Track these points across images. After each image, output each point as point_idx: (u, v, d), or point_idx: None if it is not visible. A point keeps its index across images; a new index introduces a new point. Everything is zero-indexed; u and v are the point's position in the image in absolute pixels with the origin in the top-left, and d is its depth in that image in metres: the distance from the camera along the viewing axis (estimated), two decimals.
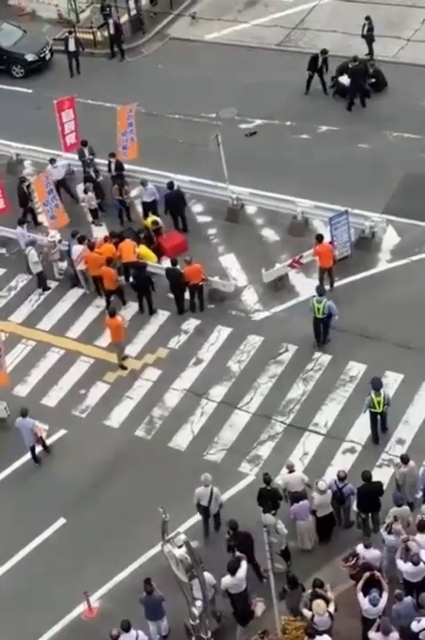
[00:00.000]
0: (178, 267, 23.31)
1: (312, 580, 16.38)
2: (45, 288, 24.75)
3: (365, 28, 30.11)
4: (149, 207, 25.84)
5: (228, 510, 19.00)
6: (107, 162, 26.73)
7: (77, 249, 24.09)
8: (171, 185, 25.45)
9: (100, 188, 26.66)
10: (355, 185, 25.50)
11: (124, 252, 23.91)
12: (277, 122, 28.97)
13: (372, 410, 19.40)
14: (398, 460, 18.15)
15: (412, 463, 17.89)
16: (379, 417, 19.53)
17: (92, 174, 26.82)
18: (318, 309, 21.19)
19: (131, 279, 23.82)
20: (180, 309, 23.50)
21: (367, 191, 25.23)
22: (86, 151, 27.07)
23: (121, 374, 22.42)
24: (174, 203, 25.50)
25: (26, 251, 24.59)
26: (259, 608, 17.07)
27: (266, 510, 17.65)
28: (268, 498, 17.86)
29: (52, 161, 26.73)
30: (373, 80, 29.11)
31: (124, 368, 22.44)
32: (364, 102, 28.96)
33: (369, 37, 30.11)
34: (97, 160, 27.08)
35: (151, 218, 25.37)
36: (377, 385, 19.25)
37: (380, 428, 19.77)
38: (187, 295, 23.49)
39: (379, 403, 19.22)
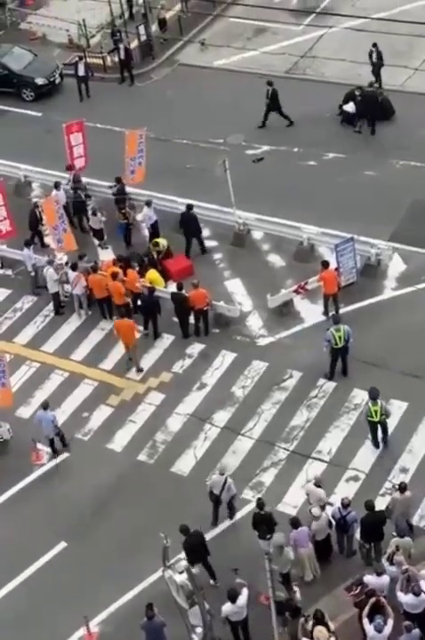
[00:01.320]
0: (183, 291, 23.30)
1: (313, 612, 16.19)
2: (58, 311, 24.73)
3: (374, 56, 30.26)
4: (156, 226, 25.94)
5: (231, 536, 18.96)
6: (109, 185, 26.87)
7: (71, 275, 24.17)
8: (189, 207, 25.41)
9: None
10: (361, 212, 25.52)
11: (131, 282, 23.85)
12: (284, 148, 29.08)
13: (370, 419, 19.64)
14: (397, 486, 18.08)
15: (408, 493, 17.81)
16: (378, 426, 19.73)
17: (82, 198, 26.96)
18: (339, 338, 21.01)
19: (138, 302, 23.78)
20: (185, 333, 23.49)
21: (373, 218, 25.24)
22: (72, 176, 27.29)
23: (124, 398, 22.40)
24: (187, 224, 25.51)
25: (44, 270, 24.64)
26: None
27: (261, 535, 17.70)
28: (263, 523, 17.82)
29: (57, 185, 26.82)
30: (379, 103, 29.23)
31: (140, 370, 22.68)
32: (374, 130, 29.05)
33: (378, 65, 30.25)
34: (100, 183, 27.11)
35: (156, 240, 25.40)
36: (374, 394, 19.51)
37: (382, 440, 19.90)
38: (191, 319, 23.47)
39: (376, 412, 19.43)
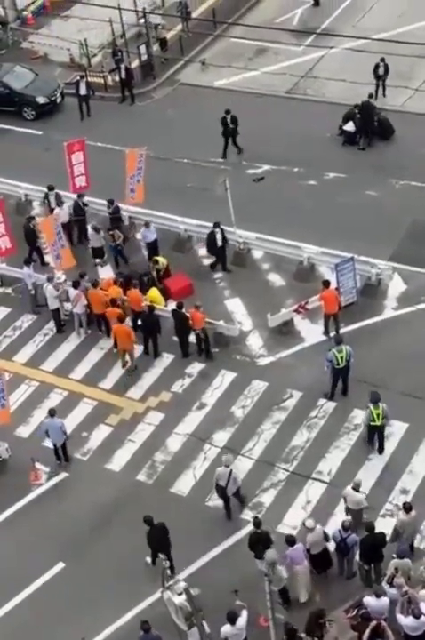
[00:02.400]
0: (184, 310, 23.24)
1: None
2: (60, 329, 24.70)
3: (380, 69, 30.33)
4: (153, 246, 25.90)
5: (230, 558, 18.85)
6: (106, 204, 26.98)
7: (72, 293, 24.17)
8: (216, 225, 25.36)
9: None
10: (361, 232, 25.54)
11: (133, 302, 23.86)
12: (285, 168, 29.13)
13: (372, 423, 19.76)
14: (400, 506, 17.96)
15: (413, 513, 17.71)
16: (377, 432, 19.91)
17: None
18: (341, 359, 20.98)
19: (139, 322, 23.76)
20: (185, 353, 23.42)
21: (374, 238, 25.26)
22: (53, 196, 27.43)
23: (124, 417, 22.34)
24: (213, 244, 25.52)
25: (44, 287, 24.68)
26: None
27: (257, 555, 17.66)
28: (260, 542, 17.76)
29: (59, 203, 26.87)
30: (378, 122, 29.32)
31: (133, 369, 23.03)
32: (370, 142, 29.09)
33: (384, 78, 30.30)
34: (99, 201, 27.18)
35: (156, 258, 25.36)
36: (375, 398, 19.67)
37: (378, 446, 20.06)
38: (192, 338, 23.41)
39: (377, 415, 19.58)
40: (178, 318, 23.28)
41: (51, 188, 27.61)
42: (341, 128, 29.72)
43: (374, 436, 20.03)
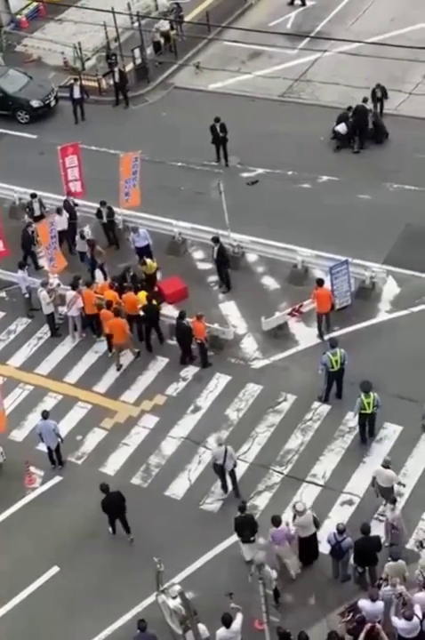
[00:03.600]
0: (186, 320, 23.12)
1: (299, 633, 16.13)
2: (54, 333, 24.68)
3: (378, 92, 30.08)
4: (143, 252, 25.90)
5: (224, 560, 18.84)
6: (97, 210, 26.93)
7: (69, 295, 24.14)
8: (215, 239, 25.17)
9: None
10: (355, 235, 25.59)
11: (128, 306, 23.80)
12: (279, 171, 29.17)
13: (363, 411, 20.00)
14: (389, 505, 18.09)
15: (397, 512, 17.90)
16: (368, 420, 20.14)
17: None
18: (336, 362, 21.03)
19: (140, 312, 23.66)
20: (183, 359, 23.31)
21: (368, 241, 25.31)
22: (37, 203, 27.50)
23: (118, 421, 22.33)
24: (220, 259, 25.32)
25: (38, 291, 24.63)
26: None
27: (245, 540, 18.07)
28: (246, 525, 18.07)
29: (59, 211, 26.79)
30: (373, 127, 29.33)
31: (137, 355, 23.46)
32: (363, 145, 29.08)
33: (382, 102, 30.15)
34: (94, 205, 27.14)
35: (145, 260, 25.29)
36: (366, 387, 19.92)
37: (368, 432, 20.35)
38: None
39: (368, 404, 19.83)
40: (180, 329, 23.18)
41: (33, 196, 27.53)
42: (333, 130, 29.74)
43: (365, 423, 20.32)
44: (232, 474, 19.89)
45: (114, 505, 19.09)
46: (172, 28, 35.98)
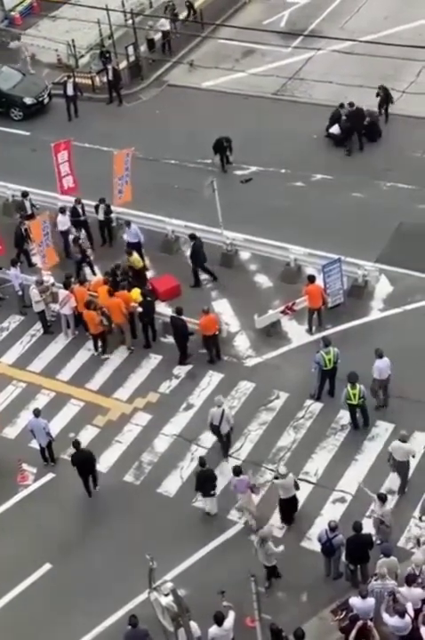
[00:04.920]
0: (183, 316, 23.03)
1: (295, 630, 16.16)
2: (47, 330, 24.68)
3: (381, 95, 30.09)
4: (133, 248, 25.93)
5: (216, 558, 18.87)
6: (95, 205, 26.90)
7: (62, 293, 24.15)
8: (192, 236, 25.34)
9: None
10: (348, 233, 25.62)
11: (124, 301, 23.74)
12: (272, 169, 29.20)
13: (349, 402, 20.27)
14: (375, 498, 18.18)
15: (387, 508, 17.98)
16: (358, 410, 20.42)
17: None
18: (329, 360, 21.09)
19: (139, 309, 23.66)
20: (182, 359, 23.26)
21: (360, 240, 25.34)
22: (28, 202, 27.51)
23: (111, 418, 22.34)
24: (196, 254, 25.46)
25: (29, 289, 24.64)
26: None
27: (205, 494, 19.20)
28: (207, 479, 19.14)
29: (62, 211, 26.69)
30: (367, 124, 29.37)
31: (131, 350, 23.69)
32: (362, 146, 29.20)
33: (386, 106, 30.14)
34: (87, 203, 27.07)
35: (135, 256, 25.30)
36: (353, 378, 20.11)
37: (363, 423, 20.63)
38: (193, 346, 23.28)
39: (354, 395, 20.06)
40: (175, 325, 23.11)
41: (25, 195, 27.48)
42: (328, 131, 29.78)
43: (355, 414, 20.54)
44: (227, 436, 20.49)
45: (83, 462, 20.00)
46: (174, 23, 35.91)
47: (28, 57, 34.94)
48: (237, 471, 19.01)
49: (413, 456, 19.16)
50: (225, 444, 20.69)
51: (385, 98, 30.17)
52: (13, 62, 36.05)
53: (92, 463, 20.26)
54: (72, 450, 20.43)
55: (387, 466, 19.87)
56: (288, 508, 19.04)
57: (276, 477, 19.01)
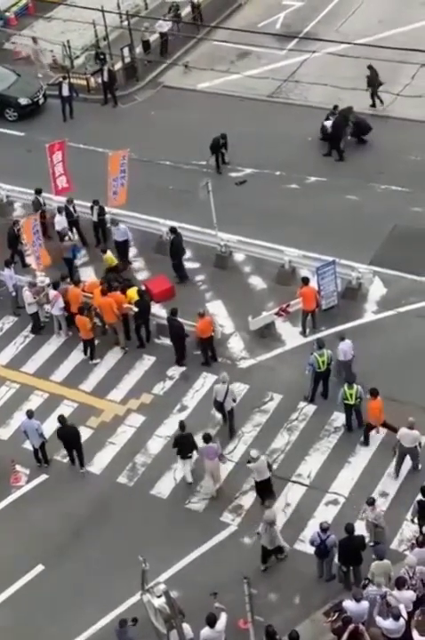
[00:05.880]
0: (178, 316, 23.03)
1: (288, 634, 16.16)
2: (36, 331, 24.66)
3: (370, 74, 30.30)
4: (121, 247, 25.94)
5: (209, 559, 18.86)
6: (90, 205, 26.89)
7: (51, 294, 24.14)
8: (172, 230, 25.49)
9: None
10: (342, 236, 25.64)
11: (118, 303, 23.68)
12: (267, 171, 29.21)
13: (346, 402, 20.50)
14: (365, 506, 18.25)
15: (378, 510, 18.04)
16: (353, 410, 20.57)
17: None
18: (323, 362, 21.15)
19: (134, 308, 23.64)
20: (180, 360, 23.22)
21: (355, 242, 25.37)
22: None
23: (104, 419, 22.32)
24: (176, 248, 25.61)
25: (22, 291, 24.62)
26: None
27: (183, 456, 19.93)
28: (185, 443, 19.89)
29: (60, 210, 26.62)
30: (354, 125, 29.41)
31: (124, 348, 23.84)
32: (342, 155, 29.13)
33: (373, 89, 30.37)
34: (82, 203, 27.11)
35: (109, 255, 25.30)
36: (350, 379, 20.57)
37: (357, 423, 20.72)
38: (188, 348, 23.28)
39: (351, 395, 20.31)
40: (172, 327, 23.05)
41: (38, 192, 27.37)
42: (323, 129, 29.78)
43: (351, 415, 20.67)
44: (230, 412, 21.01)
45: (68, 437, 20.63)
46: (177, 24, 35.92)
47: (45, 62, 34.72)
48: (207, 438, 19.76)
49: (420, 443, 19.46)
50: (230, 420, 21.11)
51: (374, 77, 30.20)
52: (8, 63, 36.00)
53: (77, 439, 20.75)
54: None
55: (380, 468, 19.95)
56: (264, 490, 19.36)
57: (248, 461, 19.35)
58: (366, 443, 20.49)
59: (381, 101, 30.82)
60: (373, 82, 30.68)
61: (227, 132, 29.52)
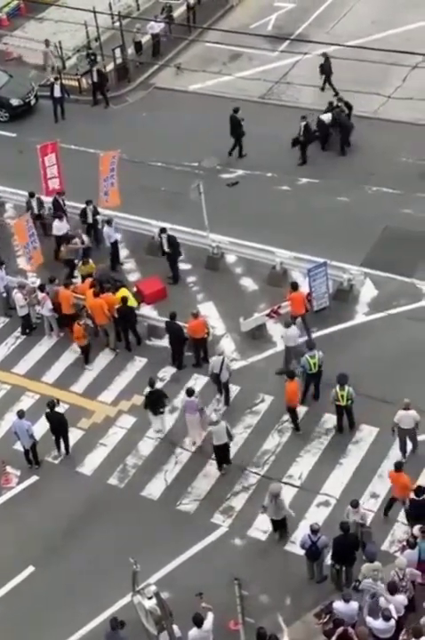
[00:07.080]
0: (177, 320, 22.99)
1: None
2: (27, 332, 24.62)
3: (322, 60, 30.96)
4: (113, 246, 25.99)
5: (200, 561, 18.85)
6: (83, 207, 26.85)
7: (40, 295, 24.17)
8: (163, 230, 25.48)
9: None
10: (334, 237, 25.66)
11: (110, 304, 23.64)
12: (259, 173, 29.22)
13: (337, 403, 20.49)
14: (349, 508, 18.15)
15: (362, 511, 18.09)
16: (344, 411, 20.61)
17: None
18: (314, 364, 21.16)
19: (115, 314, 23.60)
20: (179, 364, 23.15)
21: (346, 244, 25.40)
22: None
23: (95, 421, 22.30)
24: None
25: (13, 293, 24.57)
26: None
27: (155, 412, 20.77)
28: (157, 400, 20.76)
29: (60, 217, 26.49)
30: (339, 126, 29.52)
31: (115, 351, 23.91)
32: (323, 147, 29.40)
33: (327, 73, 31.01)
34: (73, 204, 27.10)
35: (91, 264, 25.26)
36: (342, 380, 20.33)
37: (349, 424, 20.78)
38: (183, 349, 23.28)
39: (342, 396, 20.30)
40: (172, 330, 23.02)
41: (32, 195, 27.34)
42: (319, 120, 29.72)
43: (342, 415, 20.68)
44: (226, 385, 21.55)
45: (55, 423, 20.92)
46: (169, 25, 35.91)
47: (55, 65, 34.63)
48: (190, 392, 20.41)
49: (418, 423, 19.55)
50: (225, 392, 21.60)
51: (328, 67, 30.75)
52: (0, 64, 35.94)
53: (64, 427, 21.06)
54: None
55: (371, 470, 19.97)
56: (221, 455, 20.01)
57: (210, 424, 19.98)
58: (386, 514, 18.87)
59: (336, 91, 31.02)
60: (327, 71, 31.29)
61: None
